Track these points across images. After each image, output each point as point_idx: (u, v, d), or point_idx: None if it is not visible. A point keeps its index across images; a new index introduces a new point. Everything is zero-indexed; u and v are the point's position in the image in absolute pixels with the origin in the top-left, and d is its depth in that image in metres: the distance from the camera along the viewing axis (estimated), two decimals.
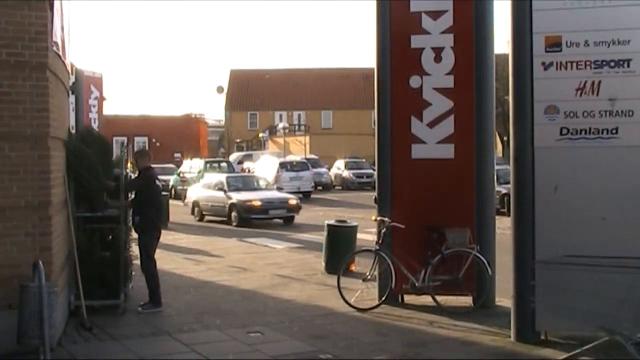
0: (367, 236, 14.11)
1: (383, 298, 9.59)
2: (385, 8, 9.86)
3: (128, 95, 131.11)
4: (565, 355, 7.20)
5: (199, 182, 26.54)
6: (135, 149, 23.07)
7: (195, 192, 24.92)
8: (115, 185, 9.55)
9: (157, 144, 57.50)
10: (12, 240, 7.28)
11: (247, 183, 24.50)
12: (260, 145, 63.06)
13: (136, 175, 10.26)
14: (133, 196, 9.98)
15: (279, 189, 28.13)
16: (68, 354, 7.54)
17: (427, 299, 9.63)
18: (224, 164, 36.00)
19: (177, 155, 53.03)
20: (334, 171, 43.73)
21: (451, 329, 8.59)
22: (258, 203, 21.89)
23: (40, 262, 6.77)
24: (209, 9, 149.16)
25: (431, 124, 9.71)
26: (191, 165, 35.56)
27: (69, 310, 8.89)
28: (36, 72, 7.37)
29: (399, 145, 9.85)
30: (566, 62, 7.68)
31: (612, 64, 7.56)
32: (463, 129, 9.61)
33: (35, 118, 7.36)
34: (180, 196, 32.29)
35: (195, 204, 24.29)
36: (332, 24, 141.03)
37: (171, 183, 34.22)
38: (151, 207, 9.79)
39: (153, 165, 10.30)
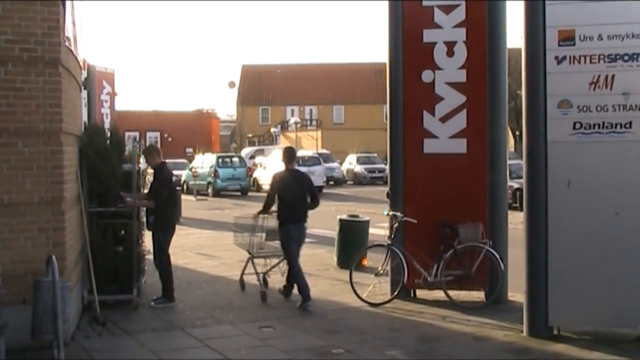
0: (379, 231, 14.08)
1: (395, 293, 9.57)
2: (397, 3, 9.82)
3: (140, 90, 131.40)
4: None
5: None
6: (147, 144, 23.13)
7: None
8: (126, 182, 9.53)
9: (169, 139, 57.72)
10: (25, 235, 7.32)
11: None
12: (272, 140, 63.11)
13: (152, 174, 10.15)
14: (147, 193, 9.91)
15: None
16: (81, 348, 7.57)
17: (439, 294, 9.61)
18: (235, 159, 36.03)
19: (189, 150, 53.15)
20: (345, 166, 43.68)
21: (463, 324, 8.58)
22: None
23: (54, 257, 6.80)
24: (221, 4, 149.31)
25: (443, 119, 9.67)
26: (203, 161, 35.60)
27: (82, 305, 8.93)
28: (49, 67, 7.40)
29: (411, 140, 9.82)
30: (579, 56, 7.62)
31: (626, 57, 7.49)
32: (475, 123, 9.56)
33: (48, 113, 7.39)
34: (192, 191, 32.42)
35: None
36: (343, 19, 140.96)
37: (183, 178, 34.36)
38: (167, 205, 9.75)
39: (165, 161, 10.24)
